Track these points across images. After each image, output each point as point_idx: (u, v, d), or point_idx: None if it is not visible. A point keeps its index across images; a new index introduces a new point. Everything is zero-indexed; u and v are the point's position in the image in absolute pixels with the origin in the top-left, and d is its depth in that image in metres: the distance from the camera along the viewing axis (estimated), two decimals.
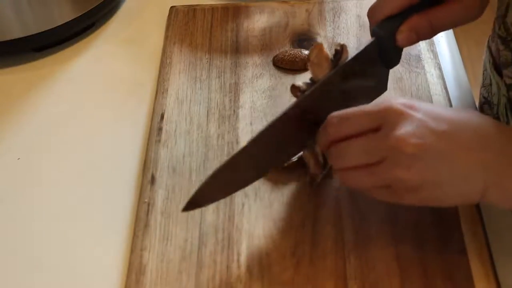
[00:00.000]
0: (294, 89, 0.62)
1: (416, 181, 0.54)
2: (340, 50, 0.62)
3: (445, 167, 0.54)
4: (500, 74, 0.69)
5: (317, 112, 0.61)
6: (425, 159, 0.54)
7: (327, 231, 0.62)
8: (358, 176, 0.57)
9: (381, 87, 0.67)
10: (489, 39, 0.75)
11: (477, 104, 0.77)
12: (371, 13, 0.64)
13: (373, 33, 0.64)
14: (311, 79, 0.63)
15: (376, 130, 0.55)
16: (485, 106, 0.74)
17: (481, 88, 0.76)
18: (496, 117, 0.71)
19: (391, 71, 0.66)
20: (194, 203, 0.59)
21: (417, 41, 0.63)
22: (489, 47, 0.75)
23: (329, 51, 0.62)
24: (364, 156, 0.56)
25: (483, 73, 0.76)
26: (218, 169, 0.58)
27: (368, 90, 0.66)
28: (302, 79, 0.75)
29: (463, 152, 0.54)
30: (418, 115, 0.55)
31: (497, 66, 0.70)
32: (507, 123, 0.68)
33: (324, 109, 0.60)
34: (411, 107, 0.55)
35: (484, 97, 0.75)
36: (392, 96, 0.56)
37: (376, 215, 0.62)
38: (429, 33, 0.63)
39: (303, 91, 0.61)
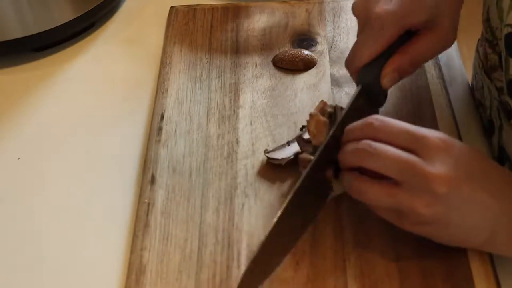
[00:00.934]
0: (304, 162, 0.63)
1: (429, 218, 0.55)
2: (335, 112, 0.63)
3: (458, 215, 0.55)
4: (489, 77, 0.70)
5: (325, 170, 0.61)
6: (447, 203, 0.54)
7: (327, 231, 0.62)
8: (375, 192, 0.56)
9: None
10: (478, 43, 0.76)
11: None
12: (349, 63, 0.66)
13: (358, 81, 0.65)
14: (313, 147, 0.63)
15: (409, 151, 0.55)
16: (480, 108, 0.75)
17: (475, 91, 0.76)
18: (489, 120, 0.71)
19: None
20: None
21: (400, 80, 0.65)
22: (477, 51, 0.75)
23: (323, 117, 0.63)
24: (395, 168, 0.55)
25: (475, 77, 0.77)
26: (250, 263, 0.56)
27: None
28: (302, 79, 0.76)
29: (481, 203, 0.55)
30: (455, 155, 0.55)
31: (486, 70, 0.71)
32: (500, 126, 0.68)
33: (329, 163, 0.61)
34: (449, 145, 0.56)
35: (478, 100, 0.75)
36: (432, 130, 0.58)
37: (376, 215, 0.62)
38: (411, 70, 0.65)
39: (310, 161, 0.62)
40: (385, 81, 0.64)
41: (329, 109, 0.64)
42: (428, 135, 0.56)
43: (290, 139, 0.69)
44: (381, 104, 0.66)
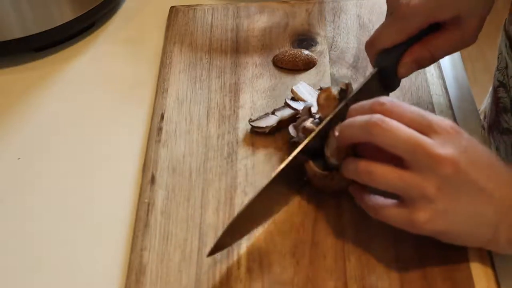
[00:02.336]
0: (306, 130, 0.64)
1: (437, 203, 0.55)
2: (346, 89, 0.64)
3: (467, 200, 0.55)
4: None
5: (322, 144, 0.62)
6: (454, 186, 0.54)
7: (327, 231, 0.62)
8: (383, 171, 0.56)
9: None
10: (505, 22, 0.76)
11: (478, 103, 0.78)
12: (369, 45, 0.67)
13: (375, 64, 0.66)
14: (319, 117, 0.65)
15: (421, 133, 0.56)
16: (499, 89, 0.75)
17: (495, 72, 0.76)
18: None
19: None
20: (219, 247, 0.59)
21: (417, 70, 0.66)
22: (505, 30, 0.75)
23: (335, 90, 0.64)
24: (406, 146, 0.55)
25: (498, 57, 0.77)
26: (235, 218, 0.59)
27: None
28: (302, 79, 0.76)
29: (486, 197, 0.55)
30: (463, 142, 0.56)
31: None
32: None
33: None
34: (458, 133, 0.56)
35: (498, 81, 0.75)
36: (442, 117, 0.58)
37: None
38: (429, 62, 0.66)
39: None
40: (402, 70, 0.65)
41: (342, 86, 0.64)
42: (439, 120, 0.56)
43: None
44: (393, 89, 0.68)
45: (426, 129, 0.56)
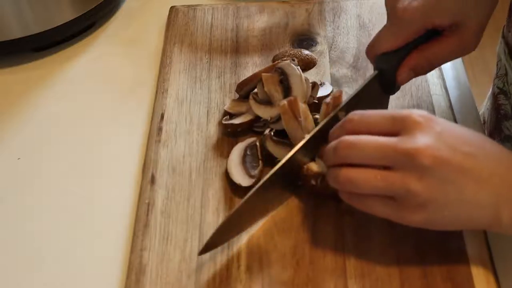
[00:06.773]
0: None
1: (424, 196, 0.54)
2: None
3: (455, 189, 0.54)
4: None
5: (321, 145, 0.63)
6: (437, 176, 0.53)
7: (327, 231, 0.62)
8: (365, 176, 0.56)
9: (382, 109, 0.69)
10: (503, 29, 0.76)
11: (478, 104, 0.78)
12: (369, 49, 0.67)
13: (376, 66, 0.66)
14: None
15: (393, 135, 0.55)
16: (500, 96, 0.75)
17: (494, 79, 0.76)
18: None
19: None
20: (210, 246, 0.60)
21: (415, 77, 0.66)
22: (504, 37, 0.75)
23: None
24: (377, 155, 0.55)
25: (497, 64, 0.77)
26: (228, 218, 0.59)
27: None
28: None
29: (475, 180, 0.54)
30: (437, 128, 0.55)
31: None
32: None
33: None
34: (430, 120, 0.55)
35: (498, 88, 0.75)
36: (413, 109, 0.58)
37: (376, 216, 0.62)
38: (427, 70, 0.66)
39: None
40: (401, 78, 0.65)
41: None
42: (408, 114, 0.56)
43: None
44: (393, 93, 0.68)
45: (397, 127, 0.55)
